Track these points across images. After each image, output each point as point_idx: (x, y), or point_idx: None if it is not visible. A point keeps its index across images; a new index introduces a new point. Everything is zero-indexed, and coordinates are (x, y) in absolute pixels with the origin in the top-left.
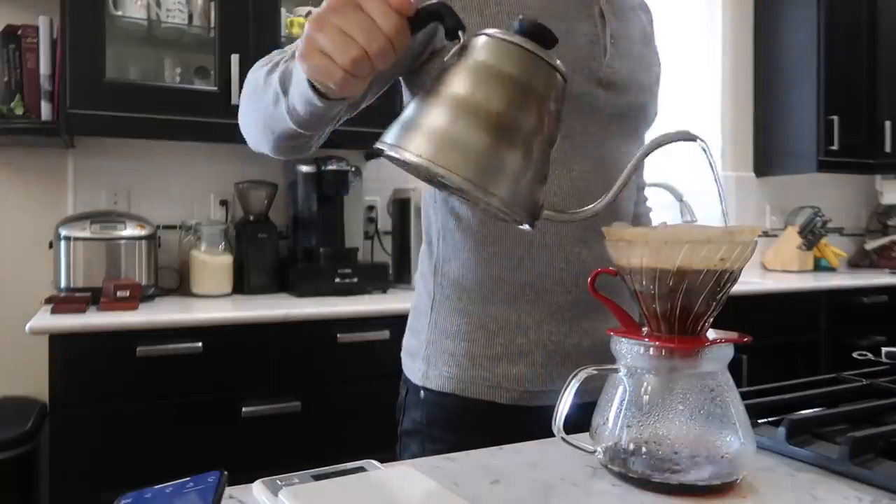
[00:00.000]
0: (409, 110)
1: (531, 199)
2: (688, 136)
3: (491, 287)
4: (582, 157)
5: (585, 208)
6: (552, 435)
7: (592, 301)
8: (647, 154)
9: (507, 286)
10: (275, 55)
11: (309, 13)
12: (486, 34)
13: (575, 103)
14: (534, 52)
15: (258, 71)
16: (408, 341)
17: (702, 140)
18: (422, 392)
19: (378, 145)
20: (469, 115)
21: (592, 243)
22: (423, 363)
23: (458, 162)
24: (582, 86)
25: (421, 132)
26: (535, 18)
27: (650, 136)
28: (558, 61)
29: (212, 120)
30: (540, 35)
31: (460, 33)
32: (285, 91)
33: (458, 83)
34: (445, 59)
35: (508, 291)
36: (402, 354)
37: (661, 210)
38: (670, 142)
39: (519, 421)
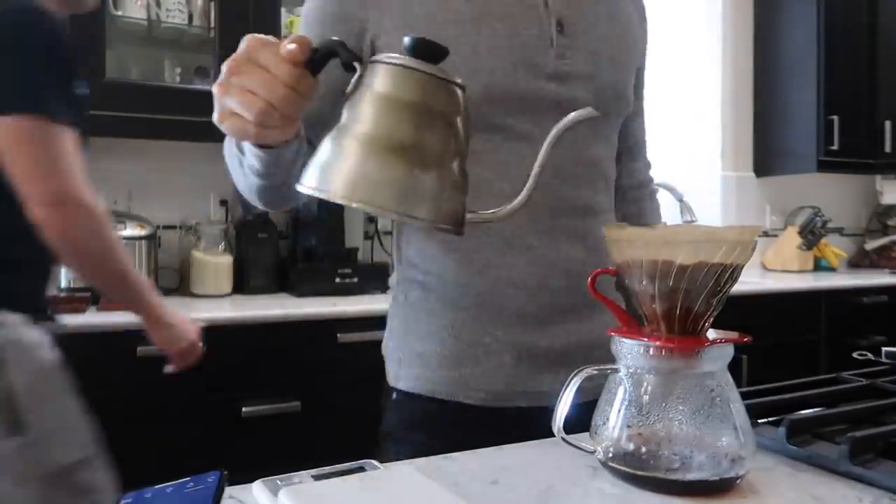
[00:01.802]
0: (324, 150)
1: (453, 213)
2: (590, 113)
3: (457, 292)
4: (530, 157)
5: (508, 206)
6: (525, 438)
7: (563, 303)
8: (553, 142)
9: (473, 291)
10: None
11: None
12: (378, 61)
13: (525, 102)
14: (426, 71)
15: (228, 140)
16: (384, 344)
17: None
18: (394, 393)
19: (299, 188)
20: (377, 148)
21: (560, 245)
22: (395, 364)
23: (376, 195)
24: (529, 83)
25: (336, 171)
26: (422, 36)
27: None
28: (455, 77)
29: (212, 120)
30: (429, 51)
31: (356, 65)
32: (241, 151)
33: (362, 116)
34: (346, 91)
35: (474, 296)
36: (384, 355)
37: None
38: (575, 120)
39: (489, 423)
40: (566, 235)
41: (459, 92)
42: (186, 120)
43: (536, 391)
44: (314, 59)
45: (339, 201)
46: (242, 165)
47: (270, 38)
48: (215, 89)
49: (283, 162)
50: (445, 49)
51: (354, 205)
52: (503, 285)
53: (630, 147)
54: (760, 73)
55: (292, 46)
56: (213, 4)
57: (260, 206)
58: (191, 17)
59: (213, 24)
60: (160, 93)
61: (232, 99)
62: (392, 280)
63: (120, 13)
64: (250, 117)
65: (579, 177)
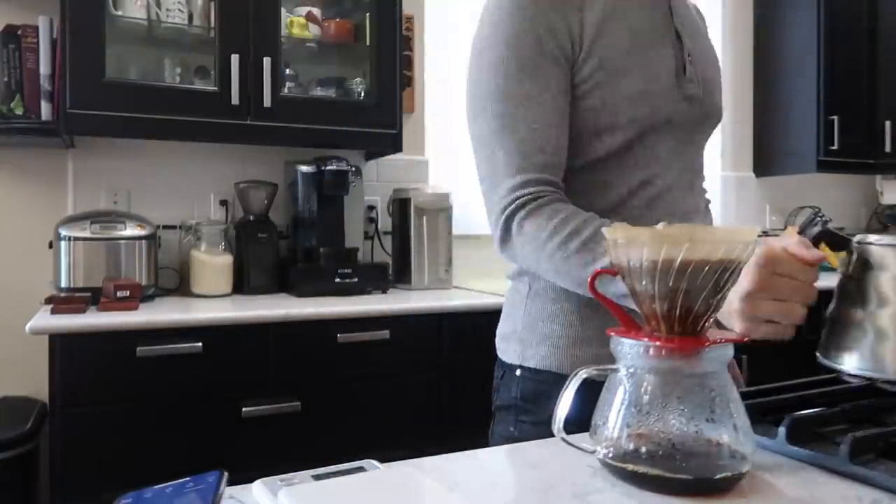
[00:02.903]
0: (861, 332)
1: None
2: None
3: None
4: (668, 171)
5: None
6: None
7: None
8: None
9: None
10: (563, 216)
11: (309, 13)
12: (872, 244)
13: (668, 124)
14: None
15: (556, 221)
16: (502, 328)
17: None
18: (518, 370)
19: (851, 370)
20: None
21: None
22: (518, 345)
23: None
24: (671, 107)
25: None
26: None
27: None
28: None
29: (212, 120)
30: None
31: (853, 249)
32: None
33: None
34: (847, 273)
35: None
36: (497, 340)
37: None
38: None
39: None
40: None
41: None
42: (186, 120)
43: None
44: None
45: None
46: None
47: (776, 250)
48: (744, 306)
49: None
50: None
51: None
52: None
53: None
54: (760, 73)
55: (803, 250)
56: (213, 4)
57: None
58: (191, 17)
59: (213, 24)
60: (160, 93)
61: (766, 311)
62: (512, 272)
63: (120, 13)
64: (792, 322)
65: (690, 184)
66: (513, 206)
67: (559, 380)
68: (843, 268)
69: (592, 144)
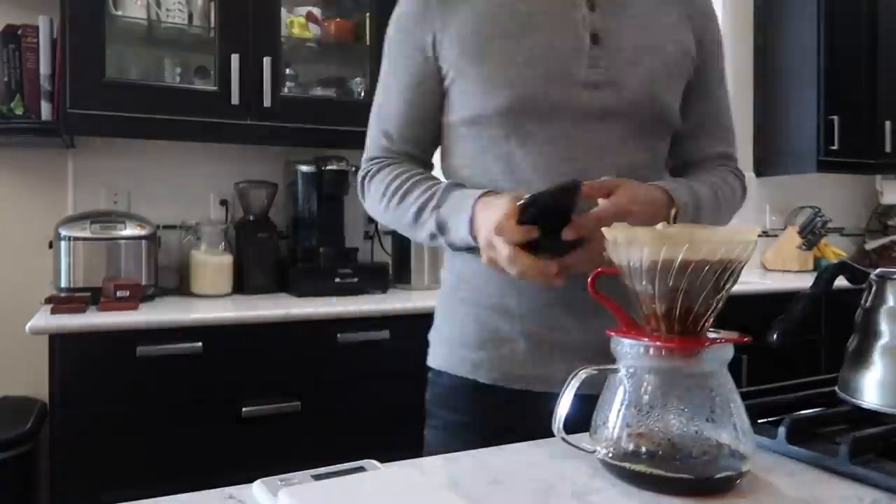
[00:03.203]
0: (879, 367)
1: None
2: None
3: (485, 279)
4: (566, 160)
5: None
6: (535, 423)
7: (580, 299)
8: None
9: (497, 279)
10: (392, 175)
11: (309, 13)
12: (890, 278)
13: (557, 109)
14: None
15: (386, 182)
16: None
17: None
18: (429, 373)
19: (864, 404)
20: None
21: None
22: (433, 345)
23: None
24: (561, 93)
25: None
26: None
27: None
28: None
29: (212, 120)
30: None
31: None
32: (443, 232)
33: None
34: (865, 305)
35: (499, 284)
36: None
37: None
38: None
39: (503, 404)
40: None
41: None
42: (186, 120)
43: (548, 379)
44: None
45: None
46: (420, 230)
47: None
48: (484, 258)
49: None
50: None
51: None
52: (523, 282)
53: (692, 128)
54: (760, 73)
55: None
56: (213, 4)
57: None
58: (191, 17)
59: (213, 24)
60: (160, 93)
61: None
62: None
63: (120, 13)
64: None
65: (629, 174)
66: (360, 174)
67: (452, 383)
68: (863, 302)
69: (475, 131)
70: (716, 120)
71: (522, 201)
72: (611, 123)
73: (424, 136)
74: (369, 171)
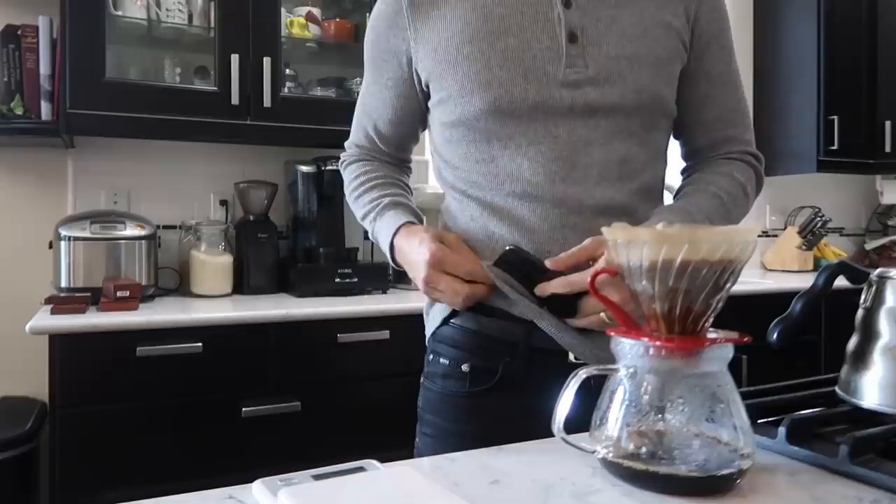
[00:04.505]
0: (879, 368)
1: None
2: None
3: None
4: (550, 159)
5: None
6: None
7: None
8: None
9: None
10: (359, 172)
11: (309, 13)
12: (891, 278)
13: (537, 110)
14: None
15: (353, 176)
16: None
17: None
18: (422, 376)
19: (863, 404)
20: None
21: (580, 230)
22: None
23: None
24: (540, 93)
25: None
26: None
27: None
28: None
29: (212, 120)
30: None
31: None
32: (373, 235)
33: None
34: (864, 304)
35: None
36: None
37: None
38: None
39: (501, 407)
40: (587, 221)
41: None
42: (186, 120)
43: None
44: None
45: None
46: (363, 221)
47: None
48: (421, 286)
49: None
50: None
51: None
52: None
53: (695, 113)
54: (760, 73)
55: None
56: (213, 4)
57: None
58: (191, 17)
59: (213, 24)
60: (160, 93)
61: (438, 294)
62: None
63: (120, 13)
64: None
65: (591, 177)
66: (341, 161)
67: (448, 385)
68: (863, 302)
69: (459, 134)
70: (720, 101)
71: (497, 259)
72: (597, 119)
73: (401, 133)
74: (345, 160)
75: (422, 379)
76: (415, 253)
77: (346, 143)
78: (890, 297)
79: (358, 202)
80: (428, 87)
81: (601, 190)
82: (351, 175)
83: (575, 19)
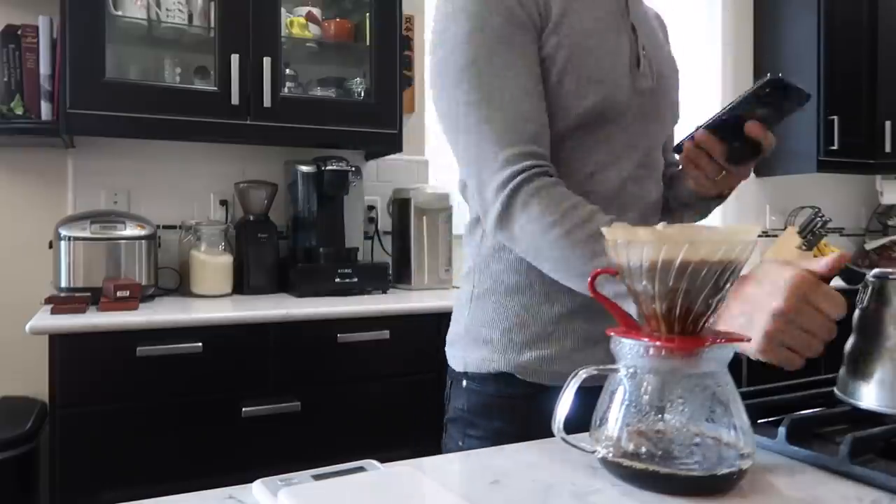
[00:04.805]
0: (887, 370)
1: None
2: None
3: (526, 282)
4: (627, 160)
5: None
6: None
7: None
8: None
9: (538, 282)
10: (571, 203)
11: (309, 13)
12: (889, 279)
13: (621, 112)
14: None
15: (560, 207)
16: (450, 333)
17: None
18: (463, 381)
19: (862, 404)
20: None
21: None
22: (461, 350)
23: None
24: (627, 95)
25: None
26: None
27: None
28: None
29: (212, 120)
30: None
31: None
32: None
33: None
34: (862, 307)
35: (539, 287)
36: (446, 347)
37: None
38: None
39: (549, 405)
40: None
41: None
42: (186, 120)
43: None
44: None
45: None
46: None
47: (814, 278)
48: (771, 325)
49: None
50: None
51: None
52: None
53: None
54: (760, 73)
55: (837, 298)
56: (213, 4)
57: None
58: (191, 17)
59: (213, 24)
60: (160, 93)
61: (790, 337)
62: (463, 272)
63: (120, 13)
64: (808, 355)
65: (643, 178)
66: (516, 180)
67: (499, 391)
68: (860, 303)
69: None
70: None
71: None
72: (653, 125)
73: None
74: (530, 182)
75: (464, 383)
76: (762, 276)
77: (508, 158)
78: (888, 298)
79: (588, 243)
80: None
81: (649, 190)
82: (561, 204)
83: (641, 35)
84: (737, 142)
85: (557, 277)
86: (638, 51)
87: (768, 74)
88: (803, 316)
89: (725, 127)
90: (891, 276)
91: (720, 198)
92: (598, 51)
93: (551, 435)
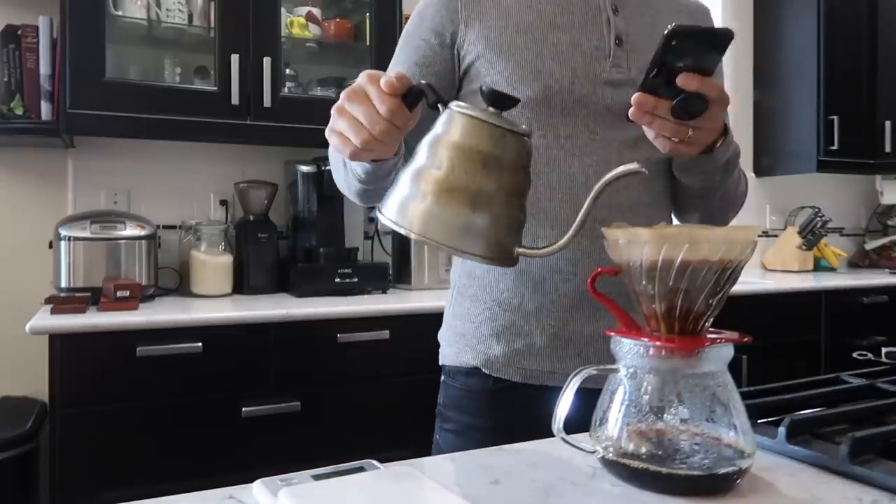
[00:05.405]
0: (403, 186)
1: (503, 250)
2: (636, 169)
3: (497, 275)
4: (585, 153)
5: (554, 245)
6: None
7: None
8: (598, 194)
9: (510, 274)
10: None
11: (309, 13)
12: (457, 111)
13: (580, 105)
14: (496, 125)
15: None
16: (440, 329)
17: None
18: (442, 375)
19: (381, 217)
20: (449, 194)
21: (592, 234)
22: (444, 345)
23: (444, 235)
24: (585, 88)
25: (413, 210)
26: (494, 85)
27: None
28: (520, 126)
29: (212, 120)
30: (500, 100)
31: (440, 107)
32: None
33: (439, 161)
34: (431, 127)
35: (512, 279)
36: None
37: None
38: (620, 174)
39: (518, 402)
40: (600, 225)
41: (525, 140)
42: (186, 120)
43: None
44: (408, 97)
45: (413, 237)
46: (346, 168)
47: (381, 73)
48: (333, 110)
49: (382, 172)
50: (516, 99)
51: (426, 242)
52: (539, 267)
53: None
54: (760, 73)
55: (392, 80)
56: (213, 4)
57: (358, 202)
58: (191, 17)
59: (213, 24)
60: (160, 93)
61: (343, 123)
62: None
63: (120, 13)
64: (355, 142)
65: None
66: None
67: (469, 383)
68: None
69: None
70: None
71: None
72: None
73: None
74: None
75: (442, 377)
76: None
77: None
78: (447, 128)
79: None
80: (466, 72)
81: (631, 192)
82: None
83: (622, 25)
84: (679, 96)
85: (347, 186)
86: (610, 43)
87: (670, 25)
88: (354, 102)
89: (657, 83)
90: (466, 111)
91: (710, 153)
92: (529, 48)
93: (522, 432)
